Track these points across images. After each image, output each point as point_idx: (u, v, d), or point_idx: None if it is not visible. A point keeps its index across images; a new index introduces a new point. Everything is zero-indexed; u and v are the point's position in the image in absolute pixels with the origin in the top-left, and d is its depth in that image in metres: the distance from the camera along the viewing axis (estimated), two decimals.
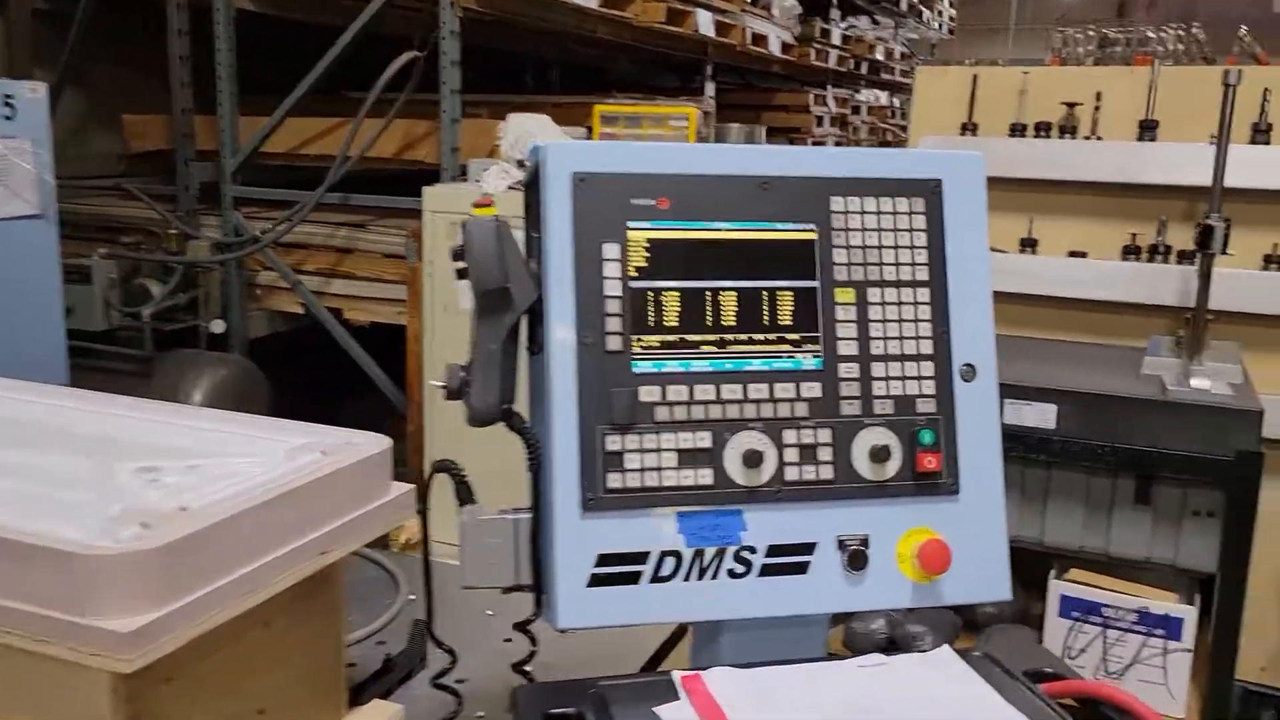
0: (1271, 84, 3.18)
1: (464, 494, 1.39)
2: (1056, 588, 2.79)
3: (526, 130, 3.43)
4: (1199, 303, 2.84)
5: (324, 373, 5.14)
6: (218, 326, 4.75)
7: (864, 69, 10.28)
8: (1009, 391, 2.69)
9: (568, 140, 1.28)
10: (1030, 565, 2.99)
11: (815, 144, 8.15)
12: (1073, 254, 3.38)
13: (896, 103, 11.14)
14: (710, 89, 7.06)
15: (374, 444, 1.70)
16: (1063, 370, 2.90)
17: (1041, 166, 3.35)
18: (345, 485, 1.62)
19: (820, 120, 8.57)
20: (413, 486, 1.75)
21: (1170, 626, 2.69)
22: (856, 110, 9.86)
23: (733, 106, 7.89)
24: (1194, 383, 2.65)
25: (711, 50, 6.85)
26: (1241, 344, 3.04)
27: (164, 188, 5.24)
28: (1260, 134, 3.17)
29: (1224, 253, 2.78)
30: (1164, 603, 2.71)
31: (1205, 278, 2.82)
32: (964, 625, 3.12)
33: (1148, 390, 2.68)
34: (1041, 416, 2.68)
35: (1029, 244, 3.42)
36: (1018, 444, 2.69)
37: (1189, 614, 2.68)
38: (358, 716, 1.76)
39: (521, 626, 1.41)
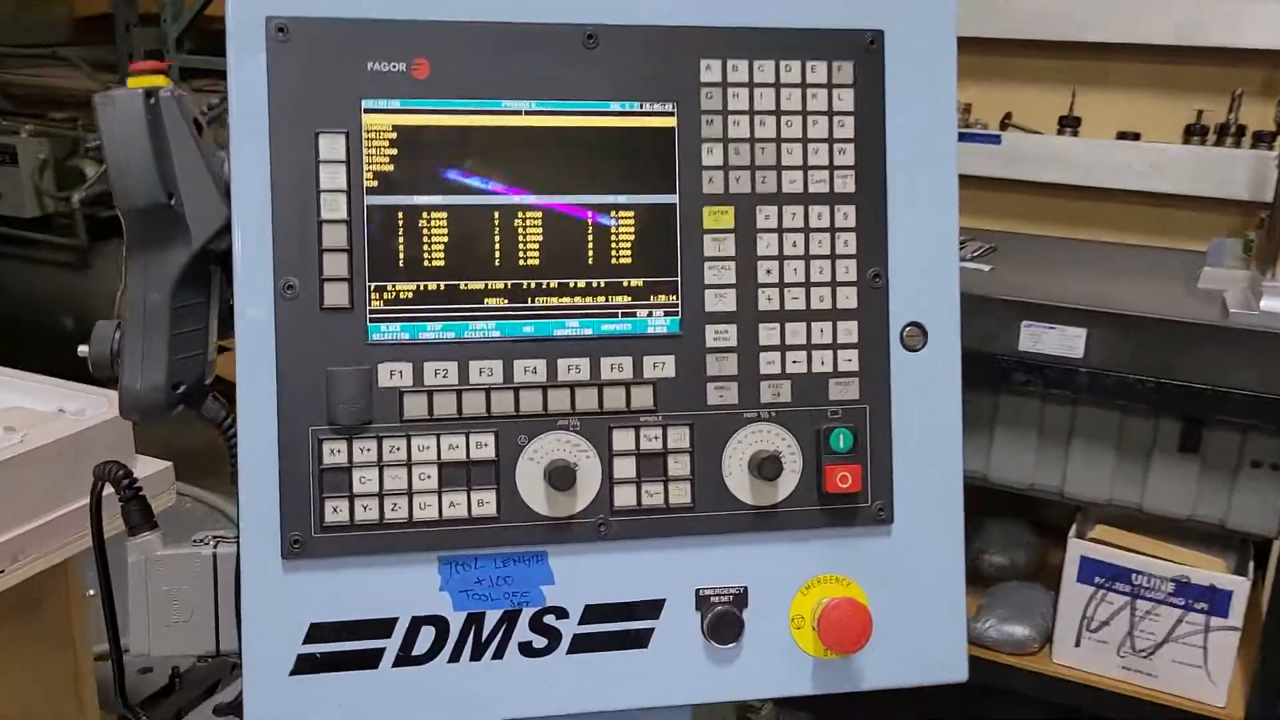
0: None
1: (134, 515, 0.93)
2: (1076, 548, 2.30)
3: None
4: (1279, 198, 2.25)
5: None
6: None
7: None
8: (1027, 312, 2.16)
9: None
10: (1051, 507, 2.51)
11: None
12: (1122, 136, 2.79)
13: None
14: None
15: (102, 409, 1.24)
16: (1097, 283, 2.35)
17: (1086, 25, 2.73)
18: (43, 472, 1.17)
19: None
20: (168, 465, 1.30)
21: (1215, 600, 2.20)
22: None
23: None
24: (1264, 304, 2.10)
25: None
26: None
27: (109, 56, 4.72)
28: None
29: None
30: (1208, 571, 2.22)
31: None
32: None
33: (1204, 312, 2.14)
34: (1067, 343, 2.15)
35: (1070, 123, 2.83)
36: (1037, 376, 2.18)
37: (1239, 586, 2.19)
38: None
39: (231, 710, 0.96)
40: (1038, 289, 2.23)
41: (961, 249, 2.55)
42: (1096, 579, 2.30)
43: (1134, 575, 2.27)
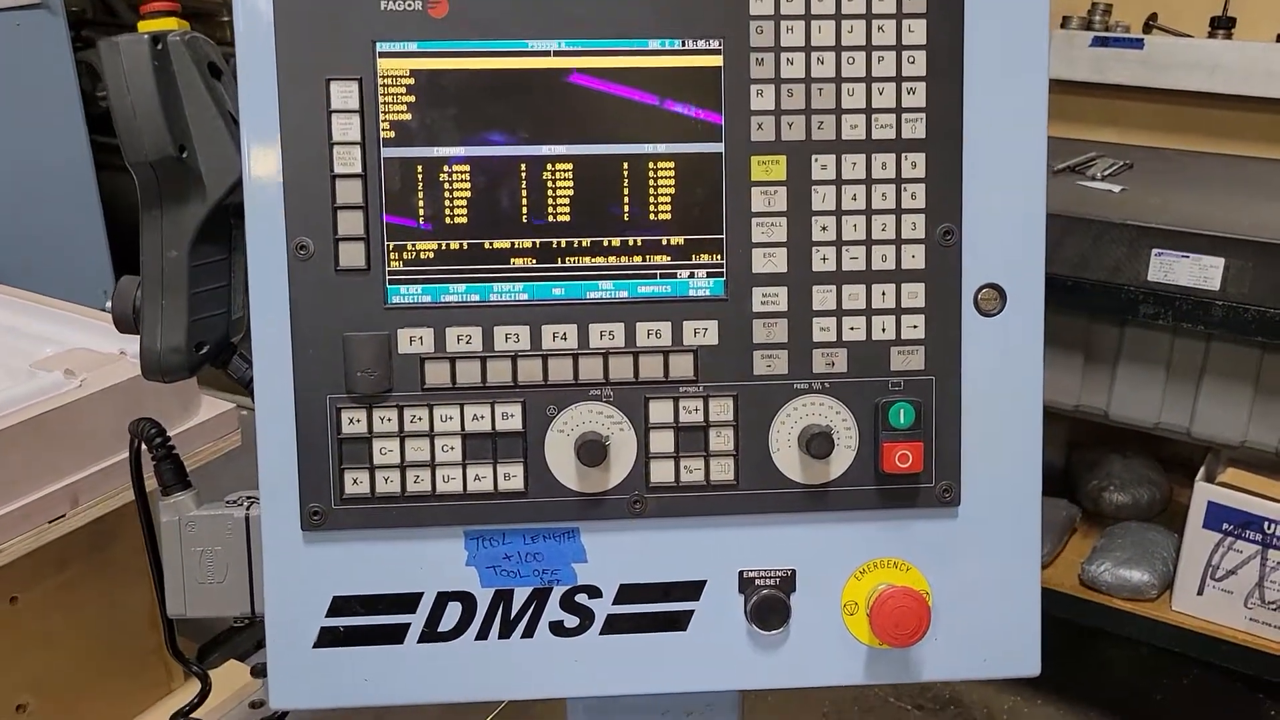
0: None
1: (167, 475, 0.91)
2: (1204, 492, 2.15)
3: None
4: None
5: None
6: None
7: None
8: (1158, 239, 1.98)
9: None
10: (1180, 444, 2.35)
11: None
12: None
13: None
14: None
15: None
16: (1242, 207, 2.15)
17: None
18: (101, 417, 1.17)
19: None
20: (231, 407, 1.29)
21: None
22: None
23: None
24: None
25: None
26: None
27: None
28: None
29: None
30: None
31: None
32: (1083, 516, 2.53)
33: None
34: (1201, 273, 1.97)
35: (1223, 24, 2.57)
36: (1167, 309, 2.01)
37: None
38: (191, 688, 1.37)
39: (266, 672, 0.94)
40: (1172, 213, 2.05)
41: (1091, 166, 2.37)
42: (1224, 525, 2.15)
43: (1266, 523, 2.11)
